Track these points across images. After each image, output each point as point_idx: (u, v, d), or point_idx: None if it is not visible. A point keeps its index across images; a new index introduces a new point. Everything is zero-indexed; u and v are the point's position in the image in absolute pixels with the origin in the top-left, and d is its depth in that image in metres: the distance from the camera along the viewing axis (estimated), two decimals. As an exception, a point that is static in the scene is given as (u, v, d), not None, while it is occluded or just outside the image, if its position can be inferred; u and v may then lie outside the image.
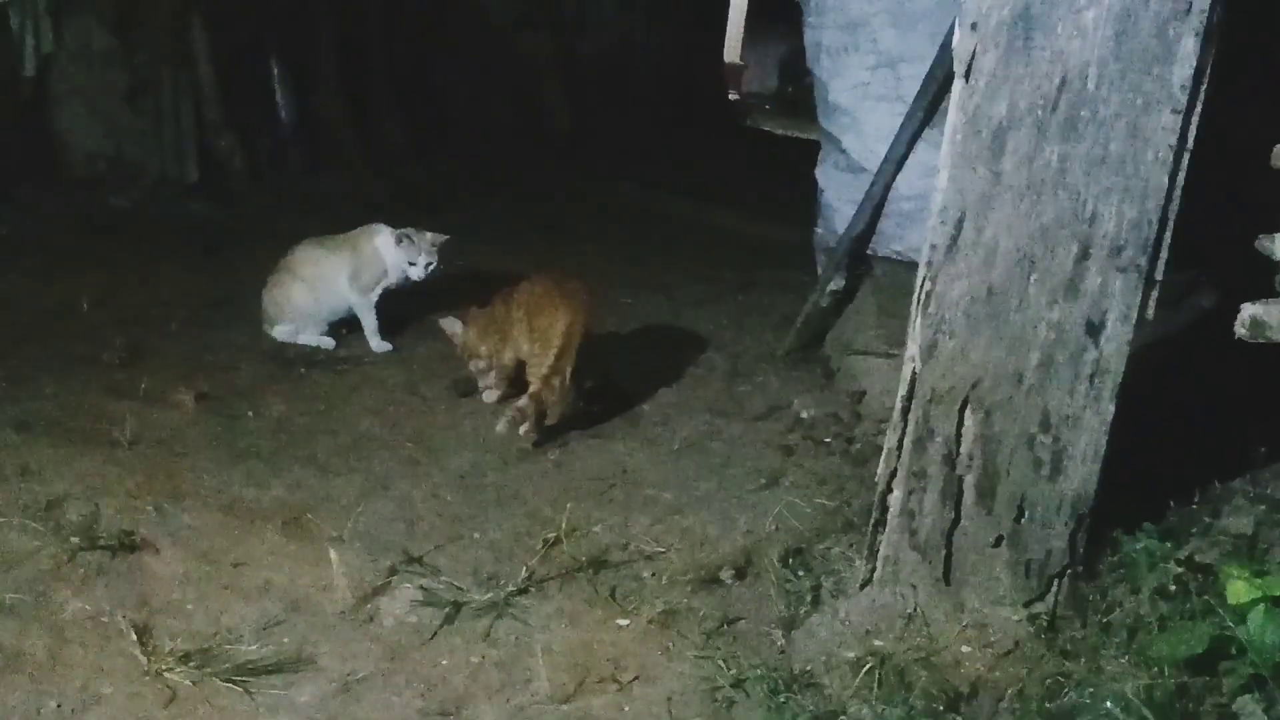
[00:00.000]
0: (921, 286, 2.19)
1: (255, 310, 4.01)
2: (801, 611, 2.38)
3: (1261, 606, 1.94)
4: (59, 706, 2.02)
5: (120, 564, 2.45)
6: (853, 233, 3.71)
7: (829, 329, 4.04)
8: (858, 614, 2.31)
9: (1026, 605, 2.26)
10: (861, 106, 3.65)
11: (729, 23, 12.01)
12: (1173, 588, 2.18)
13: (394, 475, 3.01)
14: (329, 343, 3.97)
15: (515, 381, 3.46)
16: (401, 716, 2.08)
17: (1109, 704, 1.98)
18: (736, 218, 6.55)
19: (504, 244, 5.29)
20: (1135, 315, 2.09)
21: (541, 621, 2.37)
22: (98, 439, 3.03)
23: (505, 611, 2.38)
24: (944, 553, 2.27)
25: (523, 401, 3.17)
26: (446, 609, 2.37)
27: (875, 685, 2.09)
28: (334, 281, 3.93)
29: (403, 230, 3.88)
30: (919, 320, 2.20)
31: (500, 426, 3.12)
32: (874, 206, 3.62)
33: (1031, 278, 2.11)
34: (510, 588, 2.44)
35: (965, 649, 2.21)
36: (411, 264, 3.87)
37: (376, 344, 3.97)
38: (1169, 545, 2.28)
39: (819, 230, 4.03)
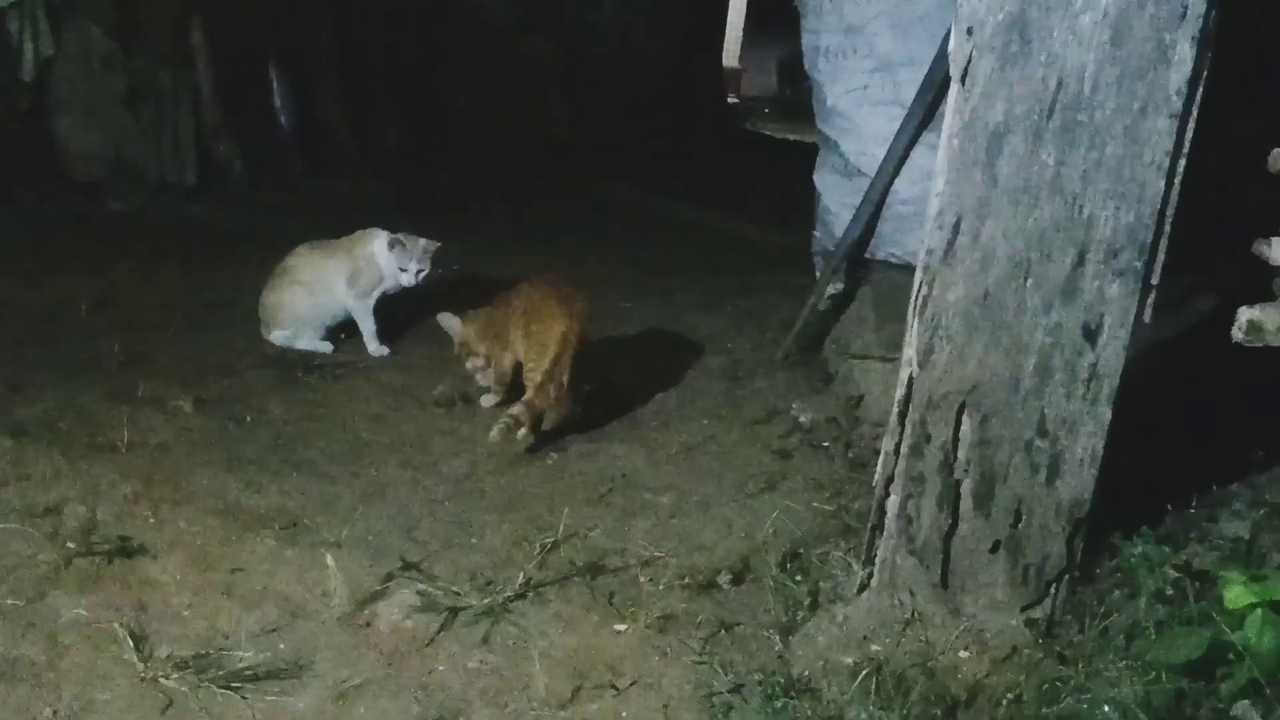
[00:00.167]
0: (918, 291, 2.19)
1: (254, 315, 4.01)
2: (799, 617, 2.38)
3: (1259, 611, 1.94)
4: (55, 713, 2.01)
5: (117, 569, 2.45)
6: (851, 237, 3.71)
7: (827, 333, 4.04)
8: (855, 619, 2.30)
9: (1024, 610, 2.26)
10: (859, 110, 3.65)
11: (728, 26, 12.01)
12: (1170, 592, 2.18)
13: (392, 480, 3.01)
14: (327, 347, 3.97)
15: (513, 385, 3.46)
16: (398, 722, 2.08)
17: (1107, 709, 1.98)
18: (735, 221, 6.55)
19: (503, 247, 5.30)
20: (1132, 319, 2.09)
21: (539, 627, 2.36)
22: (95, 443, 3.03)
23: (502, 617, 2.37)
24: (941, 558, 2.27)
25: (517, 408, 3.17)
26: (444, 614, 2.37)
27: (873, 690, 2.09)
28: (332, 286, 3.93)
29: (394, 236, 3.88)
30: (916, 325, 2.20)
31: (494, 434, 3.11)
32: (872, 210, 3.63)
33: (1028, 282, 2.11)
34: (507, 593, 2.44)
35: (963, 654, 2.21)
36: (403, 270, 3.87)
37: (374, 348, 3.97)
38: (1167, 550, 2.28)
39: (817, 234, 4.03)
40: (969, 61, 2.05)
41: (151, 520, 2.66)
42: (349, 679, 2.17)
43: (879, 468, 2.32)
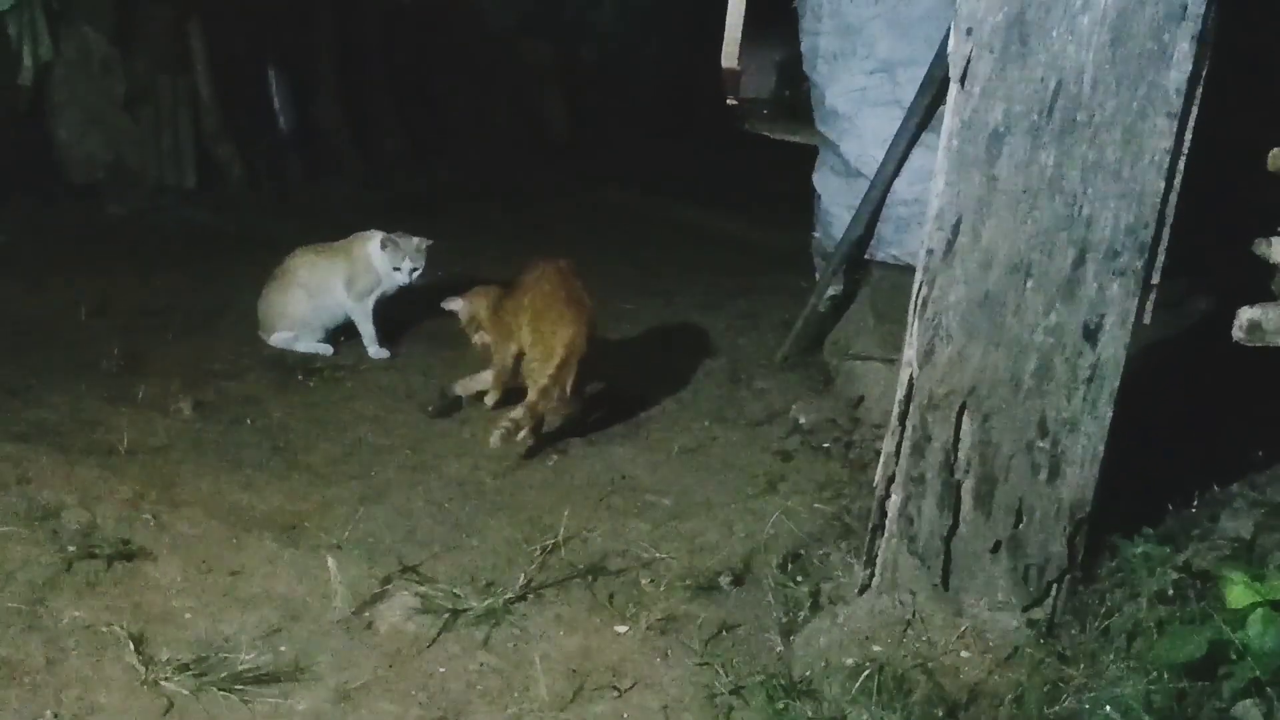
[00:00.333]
0: (918, 292, 2.19)
1: (253, 317, 4.01)
2: (800, 617, 2.38)
3: (1260, 611, 1.94)
4: (55, 716, 2.01)
5: (117, 572, 2.45)
6: (850, 237, 3.72)
7: (827, 334, 4.04)
8: (856, 620, 2.30)
9: (1025, 610, 2.25)
10: (859, 111, 3.66)
11: (727, 28, 12.03)
12: (1171, 592, 2.18)
13: (392, 482, 3.01)
14: (326, 350, 3.97)
15: (512, 382, 3.45)
16: (399, 724, 2.08)
17: (1108, 709, 1.98)
18: (735, 222, 6.56)
19: (503, 250, 5.28)
20: (1132, 319, 2.09)
21: (540, 629, 2.36)
22: (95, 447, 3.02)
23: (503, 619, 2.37)
24: (942, 558, 2.27)
25: (517, 412, 3.16)
26: (444, 616, 2.36)
27: (874, 691, 2.08)
28: (330, 288, 3.93)
29: (387, 235, 3.87)
30: (916, 325, 2.20)
31: (494, 439, 3.10)
32: (871, 211, 3.63)
33: (1028, 282, 2.11)
34: (508, 595, 2.44)
35: (964, 654, 2.20)
36: (397, 269, 3.86)
37: (374, 351, 3.97)
38: (1168, 550, 2.27)
39: (817, 235, 4.04)
40: (968, 62, 2.06)
41: (152, 523, 2.66)
42: (350, 681, 2.17)
43: (879, 468, 2.32)
